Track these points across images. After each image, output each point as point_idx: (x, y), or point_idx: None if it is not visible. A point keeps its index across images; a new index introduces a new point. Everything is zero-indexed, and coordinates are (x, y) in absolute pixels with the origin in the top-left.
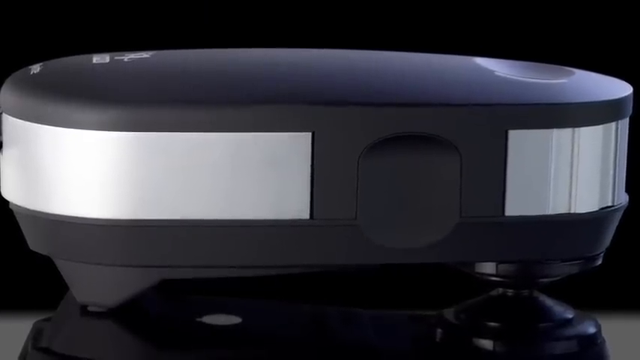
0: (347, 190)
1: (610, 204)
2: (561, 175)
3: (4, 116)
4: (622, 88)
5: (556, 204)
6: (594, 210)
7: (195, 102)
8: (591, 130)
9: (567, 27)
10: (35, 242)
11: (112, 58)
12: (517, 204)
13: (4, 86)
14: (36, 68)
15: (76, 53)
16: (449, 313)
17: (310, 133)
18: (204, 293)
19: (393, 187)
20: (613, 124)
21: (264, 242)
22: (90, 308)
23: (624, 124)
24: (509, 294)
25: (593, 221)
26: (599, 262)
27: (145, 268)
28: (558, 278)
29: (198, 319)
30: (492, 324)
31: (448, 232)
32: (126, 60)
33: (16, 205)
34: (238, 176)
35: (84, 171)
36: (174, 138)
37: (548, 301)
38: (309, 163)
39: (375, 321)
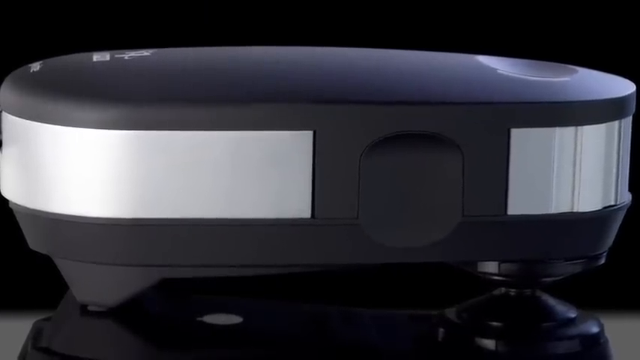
0: (348, 189)
1: (613, 203)
2: (564, 173)
3: (4, 114)
4: (625, 87)
5: (559, 203)
6: (597, 209)
7: (195, 100)
8: (594, 128)
9: (570, 25)
10: (35, 241)
11: (112, 56)
12: (519, 203)
13: (3, 84)
14: (36, 66)
15: (76, 51)
16: (451, 313)
17: (312, 132)
18: (205, 293)
19: (395, 186)
20: (616, 123)
21: (265, 241)
22: (90, 308)
23: (627, 122)
24: (512, 293)
25: (596, 220)
26: (602, 261)
27: (146, 268)
28: (561, 277)
29: (199, 319)
30: (495, 323)
31: (450, 231)
32: (126, 58)
33: (16, 204)
34: (239, 175)
35: (84, 170)
36: (174, 136)
37: (551, 301)
38: (311, 161)
39: (376, 320)
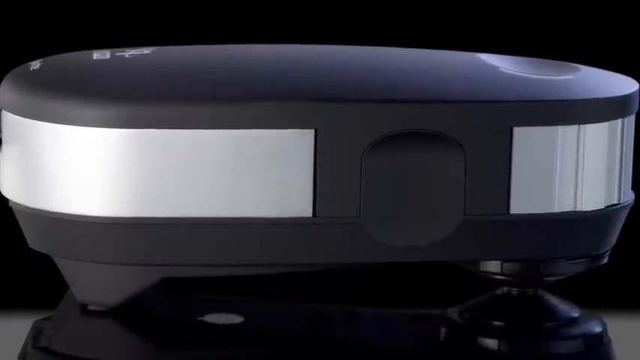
0: (350, 188)
1: (616, 202)
2: (567, 172)
3: (4, 113)
4: (628, 85)
5: (561, 202)
6: (600, 208)
7: (196, 99)
8: (597, 127)
9: (573, 23)
10: (35, 240)
11: (112, 54)
12: (522, 202)
13: (3, 83)
14: (36, 64)
15: (77, 49)
16: (453, 312)
17: (313, 130)
18: (206, 292)
19: (397, 184)
20: (619, 121)
21: (266, 240)
22: (90, 307)
23: (630, 120)
24: (514, 293)
25: (598, 219)
26: (605, 260)
27: (146, 267)
28: (564, 277)
29: (200, 319)
30: (497, 323)
31: (452, 230)
32: (126, 56)
33: (16, 203)
34: (240, 174)
35: (84, 168)
36: (175, 135)
37: (554, 300)
38: (312, 160)
39: (378, 320)
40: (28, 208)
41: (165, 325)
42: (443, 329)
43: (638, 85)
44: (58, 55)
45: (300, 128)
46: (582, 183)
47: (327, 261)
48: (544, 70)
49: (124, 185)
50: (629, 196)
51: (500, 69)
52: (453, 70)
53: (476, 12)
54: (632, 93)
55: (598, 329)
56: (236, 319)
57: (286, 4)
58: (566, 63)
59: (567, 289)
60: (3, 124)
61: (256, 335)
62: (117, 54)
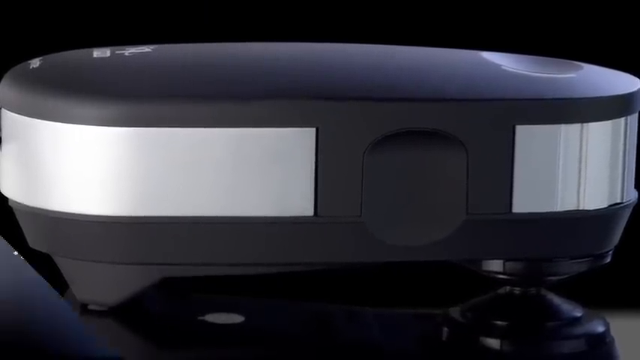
0: (352, 187)
1: (619, 201)
2: (569, 171)
3: (3, 111)
4: (631, 83)
5: (564, 201)
6: (603, 207)
7: (197, 97)
8: (600, 125)
9: (575, 21)
10: (35, 240)
11: (112, 53)
12: (525, 201)
13: (3, 81)
14: (35, 63)
15: (77, 47)
16: (455, 312)
17: (314, 129)
18: (206, 292)
19: (399, 183)
20: (622, 120)
21: (266, 240)
22: (90, 307)
23: (634, 119)
24: (517, 292)
25: (601, 218)
26: (608, 259)
27: (146, 266)
28: (566, 276)
29: (200, 318)
30: (499, 323)
31: (454, 229)
32: (127, 54)
33: (16, 202)
34: (241, 172)
35: (84, 167)
36: (175, 134)
37: (556, 300)
38: (313, 159)
39: (380, 319)
40: (27, 207)
41: (165, 325)
42: (445, 329)
43: None
44: (58, 54)
45: (302, 127)
46: (585, 182)
47: (329, 260)
48: (547, 68)
49: (124, 184)
50: (632, 195)
51: (503, 67)
52: (455, 68)
53: (478, 10)
54: (635, 91)
55: (601, 329)
56: (236, 318)
57: (286, 3)
58: (568, 61)
59: (570, 289)
60: (3, 123)
61: (257, 335)
62: (117, 52)
